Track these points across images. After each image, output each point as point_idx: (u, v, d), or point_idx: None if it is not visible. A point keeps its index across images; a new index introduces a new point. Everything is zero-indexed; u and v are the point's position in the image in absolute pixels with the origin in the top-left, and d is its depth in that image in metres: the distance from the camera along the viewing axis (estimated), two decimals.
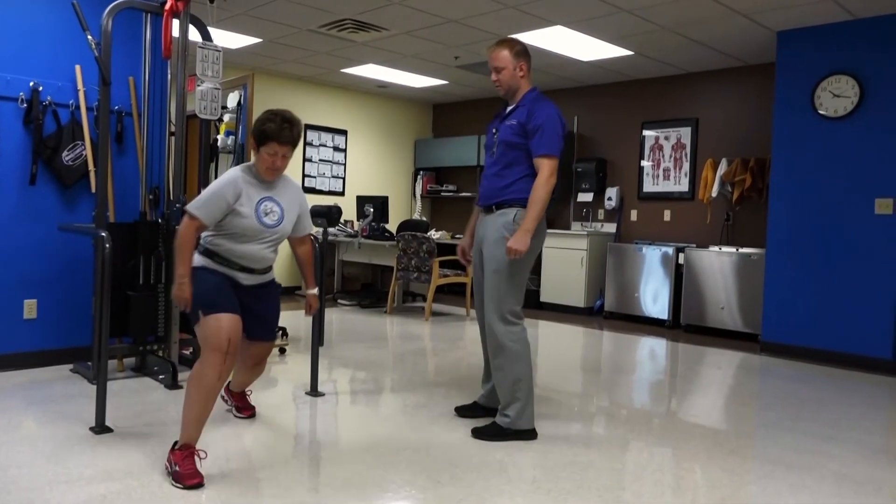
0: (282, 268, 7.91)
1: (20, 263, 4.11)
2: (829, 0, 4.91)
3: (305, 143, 8.54)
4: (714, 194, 6.81)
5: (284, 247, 3.15)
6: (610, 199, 7.77)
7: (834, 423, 3.68)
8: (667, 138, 7.46)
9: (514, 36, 5.95)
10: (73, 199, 4.27)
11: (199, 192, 2.91)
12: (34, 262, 4.15)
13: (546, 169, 3.08)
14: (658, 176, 7.52)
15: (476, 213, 3.49)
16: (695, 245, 6.97)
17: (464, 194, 9.23)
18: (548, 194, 3.08)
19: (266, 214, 2.81)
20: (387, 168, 9.49)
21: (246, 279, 2.86)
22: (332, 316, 6.84)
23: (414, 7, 5.42)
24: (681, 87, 7.36)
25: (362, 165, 9.17)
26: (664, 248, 6.90)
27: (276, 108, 2.87)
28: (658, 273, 6.93)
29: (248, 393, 3.42)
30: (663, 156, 7.48)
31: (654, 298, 6.96)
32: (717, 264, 6.47)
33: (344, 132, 8.95)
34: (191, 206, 2.73)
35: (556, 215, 8.29)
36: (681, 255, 6.76)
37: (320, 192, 8.68)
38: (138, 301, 3.98)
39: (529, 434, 3.18)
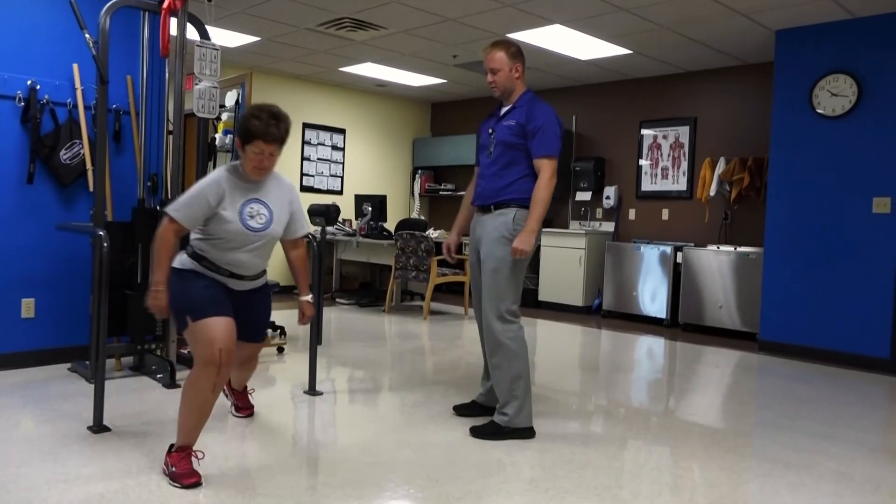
0: (281, 267, 7.90)
1: (18, 262, 4.10)
2: None
3: (304, 142, 8.53)
4: (712, 193, 6.81)
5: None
6: (608, 198, 7.77)
7: (832, 422, 3.69)
8: (665, 137, 7.46)
9: (510, 35, 6.03)
10: (70, 197, 4.27)
11: None
12: (32, 261, 4.15)
13: (547, 170, 3.12)
14: (656, 175, 7.53)
15: (465, 212, 3.52)
16: (693, 244, 6.97)
17: (462, 193, 9.16)
18: (550, 195, 3.12)
19: (252, 217, 2.63)
20: (385, 167, 9.49)
21: (236, 285, 2.73)
22: (331, 315, 6.84)
23: (412, 6, 5.41)
24: (679, 86, 7.36)
25: (361, 164, 9.17)
26: (662, 247, 6.91)
27: (265, 102, 2.69)
28: (656, 272, 6.93)
29: (251, 391, 3.37)
30: (661, 155, 7.49)
31: (653, 297, 6.96)
32: (716, 263, 6.47)
33: (342, 131, 8.94)
34: (170, 208, 2.59)
35: (555, 214, 8.29)
36: (679, 255, 6.77)
37: (318, 190, 8.68)
38: (136, 300, 3.97)
39: (527, 432, 3.18)
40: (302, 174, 8.52)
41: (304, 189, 8.50)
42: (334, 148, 8.87)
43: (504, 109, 3.27)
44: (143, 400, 3.57)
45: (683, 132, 7.31)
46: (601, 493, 2.58)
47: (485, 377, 3.49)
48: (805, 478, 2.83)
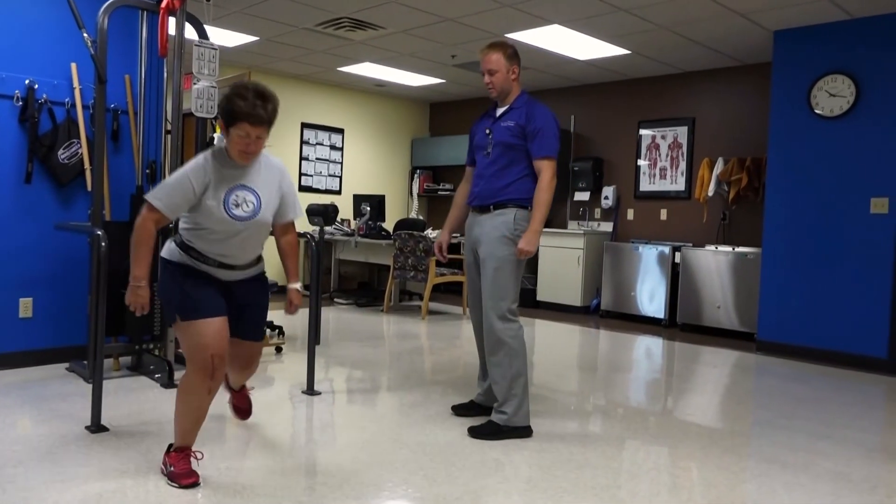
0: (280, 266, 7.90)
1: (16, 262, 4.10)
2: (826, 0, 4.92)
3: (302, 142, 8.53)
4: (710, 193, 6.82)
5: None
6: (606, 198, 7.78)
7: (829, 422, 3.69)
8: (663, 137, 7.46)
9: (508, 36, 6.03)
10: (68, 197, 4.26)
11: None
12: (30, 260, 4.14)
13: (548, 171, 3.15)
14: (654, 175, 7.53)
15: (457, 212, 3.55)
16: (691, 244, 6.98)
17: None
18: (552, 196, 3.16)
19: (237, 206, 2.43)
20: (384, 167, 9.49)
21: (228, 276, 2.56)
22: (329, 315, 6.84)
23: (411, 6, 5.41)
24: (677, 87, 7.36)
25: (359, 164, 9.17)
26: (660, 248, 6.91)
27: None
28: (654, 272, 6.93)
29: (250, 388, 3.15)
30: (660, 155, 7.49)
31: (651, 297, 6.97)
32: (714, 263, 6.48)
33: (341, 131, 8.94)
34: (150, 195, 2.39)
35: (553, 214, 8.29)
36: (677, 255, 6.77)
37: (317, 190, 8.68)
38: None
39: (525, 431, 3.20)
40: (300, 174, 8.51)
41: (302, 189, 8.49)
42: (333, 148, 8.87)
43: (500, 110, 3.29)
44: (140, 400, 3.56)
45: (682, 132, 7.32)
46: (599, 492, 2.58)
47: (481, 377, 3.50)
48: (802, 478, 2.83)
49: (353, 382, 4.19)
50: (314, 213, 6.06)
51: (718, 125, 7.05)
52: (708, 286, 6.50)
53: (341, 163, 8.96)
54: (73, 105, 4.18)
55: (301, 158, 8.52)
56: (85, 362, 3.96)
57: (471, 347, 5.32)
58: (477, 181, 3.32)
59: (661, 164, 7.48)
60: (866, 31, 5.24)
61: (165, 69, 4.25)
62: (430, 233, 7.85)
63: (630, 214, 7.74)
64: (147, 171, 4.29)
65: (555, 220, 8.29)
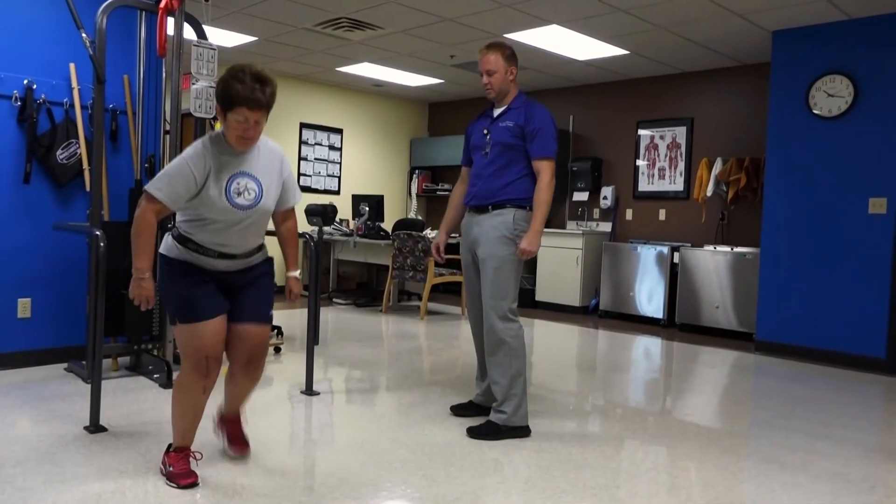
0: (278, 266, 7.90)
1: (14, 262, 4.09)
2: (824, 0, 4.92)
3: (301, 142, 8.53)
4: (709, 194, 6.82)
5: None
6: (605, 198, 7.78)
7: (828, 422, 3.70)
8: (662, 137, 7.47)
9: (507, 36, 6.04)
10: (67, 197, 4.26)
11: None
12: (28, 260, 4.14)
13: (548, 171, 3.17)
14: (653, 175, 7.54)
15: (453, 212, 3.55)
16: (690, 244, 6.98)
17: None
18: (552, 196, 3.18)
19: (239, 194, 2.35)
20: (382, 167, 9.48)
21: (229, 266, 2.46)
22: (328, 315, 6.84)
23: (410, 6, 5.41)
24: (676, 87, 7.37)
25: (358, 164, 9.17)
26: (659, 248, 6.92)
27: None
28: (653, 272, 6.94)
29: (244, 421, 2.83)
30: (658, 155, 7.50)
31: (650, 297, 6.97)
32: (712, 263, 6.48)
33: (339, 131, 8.94)
34: (150, 185, 2.31)
35: (552, 214, 8.28)
36: (676, 255, 6.77)
37: (316, 190, 8.67)
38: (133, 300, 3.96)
39: (524, 431, 3.20)
40: (299, 174, 8.51)
41: (301, 189, 8.46)
42: (331, 148, 8.86)
43: (498, 111, 3.30)
44: (139, 400, 3.56)
45: (680, 132, 7.32)
46: (598, 493, 2.58)
47: (480, 377, 3.50)
48: (801, 478, 2.84)
49: (351, 383, 4.19)
50: (313, 213, 6.06)
51: (717, 125, 7.06)
52: (706, 286, 6.50)
53: (340, 163, 8.96)
54: (72, 105, 4.18)
55: (300, 158, 8.51)
56: (83, 362, 3.96)
57: (469, 348, 5.32)
58: (475, 181, 3.33)
59: (659, 164, 7.49)
60: (865, 31, 5.25)
61: (164, 69, 4.25)
62: (429, 233, 7.85)
63: (629, 214, 7.74)
64: (146, 165, 4.28)
65: (553, 221, 8.29)
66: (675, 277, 6.76)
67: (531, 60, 6.89)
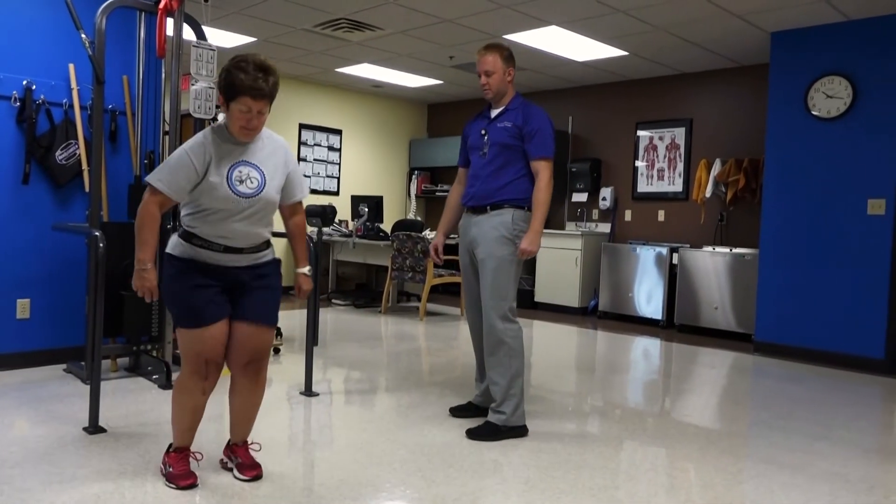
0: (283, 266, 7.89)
1: (13, 263, 4.09)
2: (823, 1, 4.93)
3: (300, 143, 8.53)
4: (708, 195, 6.83)
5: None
6: (604, 199, 7.79)
7: (826, 423, 3.70)
8: (661, 138, 7.47)
9: (506, 37, 6.04)
10: (66, 198, 4.26)
11: None
12: (27, 261, 4.14)
13: (546, 172, 3.18)
14: (652, 176, 7.54)
15: (451, 213, 3.56)
16: (689, 245, 6.99)
17: None
18: (551, 195, 3.19)
19: (241, 182, 2.33)
20: (381, 168, 9.48)
21: (234, 261, 2.41)
22: (327, 316, 6.84)
23: (409, 6, 5.41)
24: (675, 88, 7.37)
25: (357, 165, 9.17)
26: (658, 249, 6.92)
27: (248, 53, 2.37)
28: (652, 273, 6.94)
29: (253, 446, 2.67)
30: (657, 156, 7.50)
31: (648, 298, 6.98)
32: (711, 264, 6.49)
33: (339, 132, 8.94)
34: (152, 177, 2.31)
35: (551, 215, 8.28)
36: (675, 256, 6.78)
37: (315, 191, 8.67)
38: (132, 301, 3.96)
39: (522, 430, 3.22)
40: None
41: None
42: (331, 149, 8.87)
43: (496, 112, 3.31)
44: (138, 401, 3.56)
45: (679, 133, 7.33)
46: (597, 493, 2.58)
47: (479, 378, 3.50)
48: (799, 478, 2.84)
49: (351, 383, 4.19)
50: (312, 214, 6.06)
51: (716, 126, 7.07)
52: (705, 287, 6.51)
53: (339, 164, 8.96)
54: (71, 106, 4.18)
55: (299, 159, 8.51)
56: (82, 363, 3.96)
57: (468, 348, 5.32)
58: (472, 182, 3.33)
59: (658, 165, 7.49)
60: (863, 32, 5.25)
61: (163, 70, 4.25)
62: (428, 234, 7.85)
63: (628, 215, 7.75)
64: (145, 161, 4.28)
65: (553, 221, 8.29)
66: (674, 278, 6.77)
67: (530, 61, 6.89)
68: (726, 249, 6.49)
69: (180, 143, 4.03)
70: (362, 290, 8.41)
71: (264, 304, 2.50)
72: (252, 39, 6.58)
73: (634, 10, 5.25)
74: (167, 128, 4.21)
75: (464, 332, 6.18)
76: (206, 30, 4.26)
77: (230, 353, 2.49)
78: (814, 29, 5.48)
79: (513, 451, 3.02)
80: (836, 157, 5.38)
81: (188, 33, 4.11)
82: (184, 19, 4.06)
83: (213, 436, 3.04)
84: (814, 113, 5.47)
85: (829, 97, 5.40)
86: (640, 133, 7.63)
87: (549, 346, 5.87)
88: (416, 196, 9.58)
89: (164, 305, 4.06)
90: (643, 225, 7.61)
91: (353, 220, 7.91)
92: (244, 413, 2.60)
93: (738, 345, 6.02)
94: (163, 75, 4.28)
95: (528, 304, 7.73)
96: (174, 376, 3.84)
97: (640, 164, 7.64)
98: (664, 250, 6.86)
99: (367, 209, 7.56)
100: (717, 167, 6.76)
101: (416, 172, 9.60)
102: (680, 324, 6.69)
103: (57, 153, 4.13)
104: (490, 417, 3.22)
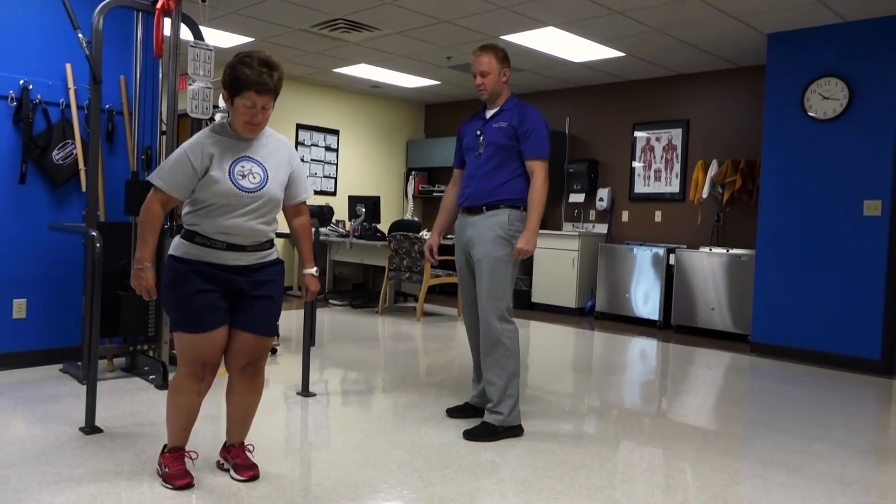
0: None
1: (9, 263, 4.08)
2: (819, 3, 4.94)
3: (297, 143, 8.53)
4: (705, 195, 6.84)
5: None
6: (601, 199, 7.80)
7: (823, 423, 3.71)
8: (658, 139, 7.49)
9: (503, 38, 6.05)
10: (63, 198, 4.25)
11: None
12: (24, 261, 4.13)
13: (542, 171, 3.19)
14: (649, 177, 7.55)
15: (446, 214, 3.57)
16: (685, 246, 7.00)
17: None
18: (546, 195, 3.21)
19: (243, 177, 2.33)
20: (379, 168, 9.48)
21: (237, 259, 2.39)
22: (324, 316, 6.83)
23: (406, 7, 5.41)
24: (672, 89, 7.39)
25: (354, 165, 9.17)
26: (655, 249, 6.93)
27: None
28: (649, 274, 6.95)
29: (249, 448, 2.64)
30: (654, 157, 7.51)
31: (645, 299, 6.99)
32: (708, 265, 6.50)
33: (336, 132, 8.94)
34: (153, 175, 2.34)
35: (548, 216, 8.29)
36: (671, 256, 6.79)
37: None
38: (128, 301, 3.96)
39: (518, 430, 3.23)
40: None
41: None
42: (328, 149, 8.86)
43: (491, 112, 3.32)
44: (135, 401, 3.56)
45: (676, 134, 7.34)
46: (594, 494, 2.58)
47: (476, 379, 3.51)
48: (796, 479, 2.85)
49: (348, 384, 4.19)
50: (310, 214, 6.05)
51: (713, 127, 7.08)
52: (702, 288, 6.52)
53: (336, 164, 8.95)
54: (68, 106, 4.17)
55: None
56: (79, 363, 3.95)
57: (465, 349, 5.31)
58: (468, 182, 3.34)
59: (655, 166, 7.50)
60: (859, 34, 5.27)
61: (161, 70, 4.25)
62: (425, 234, 7.85)
63: (625, 216, 7.75)
64: (142, 157, 4.28)
65: (549, 222, 8.30)
66: (670, 279, 6.78)
67: (527, 62, 6.90)
68: (723, 250, 6.50)
69: (177, 144, 4.05)
70: (359, 291, 8.41)
71: (265, 315, 2.49)
72: (249, 39, 6.57)
73: (631, 11, 5.26)
74: (164, 128, 4.20)
75: (461, 332, 6.18)
76: (204, 30, 4.25)
77: (228, 356, 2.50)
78: (810, 30, 5.49)
79: (510, 451, 3.02)
80: (833, 158, 5.39)
81: (185, 33, 4.11)
82: (181, 19, 4.06)
83: (209, 436, 3.03)
84: (810, 114, 5.49)
85: (826, 98, 5.41)
86: (637, 134, 7.64)
87: (546, 346, 5.87)
88: (414, 196, 9.59)
89: (160, 306, 4.05)
90: (640, 226, 7.62)
91: (350, 220, 7.91)
92: (241, 414, 2.59)
93: (734, 345, 6.03)
94: (160, 75, 4.27)
95: (524, 304, 7.73)
96: (171, 376, 3.83)
97: (637, 164, 7.65)
98: (661, 251, 6.87)
99: (364, 209, 7.56)
100: (713, 168, 6.78)
101: (413, 173, 9.60)
102: (677, 324, 6.70)
103: (54, 153, 4.12)
104: (487, 418, 3.22)
